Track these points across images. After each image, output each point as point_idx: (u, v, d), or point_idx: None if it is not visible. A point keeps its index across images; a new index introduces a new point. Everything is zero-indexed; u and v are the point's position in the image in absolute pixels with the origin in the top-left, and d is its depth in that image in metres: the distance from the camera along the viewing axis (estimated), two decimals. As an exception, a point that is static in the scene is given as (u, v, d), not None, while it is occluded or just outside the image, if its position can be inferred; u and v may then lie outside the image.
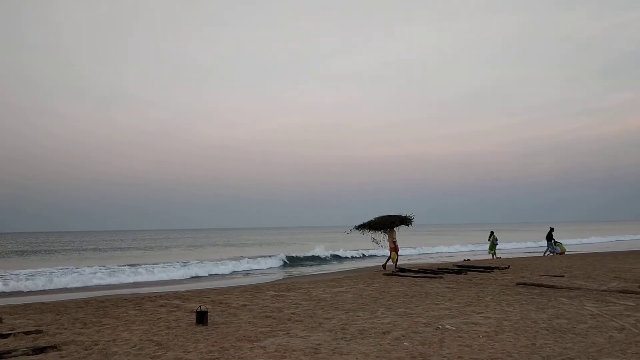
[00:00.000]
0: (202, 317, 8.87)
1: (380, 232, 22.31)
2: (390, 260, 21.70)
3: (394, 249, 21.59)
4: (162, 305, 11.36)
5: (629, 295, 11.16)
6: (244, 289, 14.54)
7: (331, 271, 24.09)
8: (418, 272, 17.88)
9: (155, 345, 7.22)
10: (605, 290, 11.89)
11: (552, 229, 29.90)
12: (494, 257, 27.27)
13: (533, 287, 12.98)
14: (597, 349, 6.45)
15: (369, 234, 22.61)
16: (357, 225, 22.81)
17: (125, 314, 10.24)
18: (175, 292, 14.52)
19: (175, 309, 10.75)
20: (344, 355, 6.37)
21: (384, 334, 7.65)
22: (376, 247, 23.03)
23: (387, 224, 21.85)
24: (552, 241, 29.52)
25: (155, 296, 13.26)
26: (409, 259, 29.53)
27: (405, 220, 21.96)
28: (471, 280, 15.05)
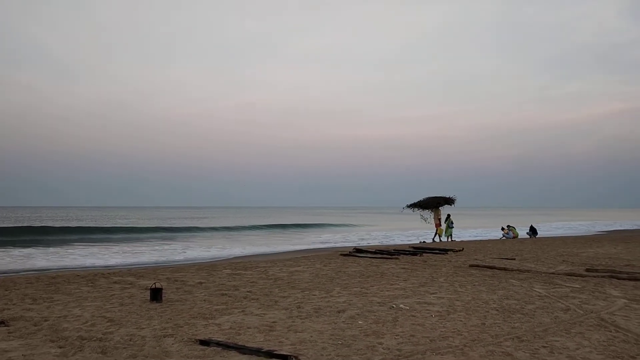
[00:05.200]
0: (156, 294, 8.75)
1: (427, 211, 26.42)
2: (437, 235, 25.76)
3: (439, 224, 25.85)
4: (115, 282, 11.16)
5: (575, 278, 11.60)
6: (200, 267, 14.43)
7: (289, 250, 24.14)
8: (375, 253, 18.11)
9: (108, 322, 7.10)
10: (553, 273, 12.32)
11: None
12: (449, 239, 27.90)
13: (485, 269, 13.34)
14: (544, 328, 6.69)
15: (418, 212, 26.84)
16: (408, 204, 26.61)
17: (77, 290, 10.01)
18: (130, 269, 14.28)
19: (129, 286, 10.58)
20: (298, 333, 6.41)
21: (339, 312, 7.73)
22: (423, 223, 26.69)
23: (433, 204, 25.60)
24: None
25: (109, 273, 13.01)
26: (368, 242, 29.87)
27: (449, 201, 25.58)
28: (426, 261, 15.35)
